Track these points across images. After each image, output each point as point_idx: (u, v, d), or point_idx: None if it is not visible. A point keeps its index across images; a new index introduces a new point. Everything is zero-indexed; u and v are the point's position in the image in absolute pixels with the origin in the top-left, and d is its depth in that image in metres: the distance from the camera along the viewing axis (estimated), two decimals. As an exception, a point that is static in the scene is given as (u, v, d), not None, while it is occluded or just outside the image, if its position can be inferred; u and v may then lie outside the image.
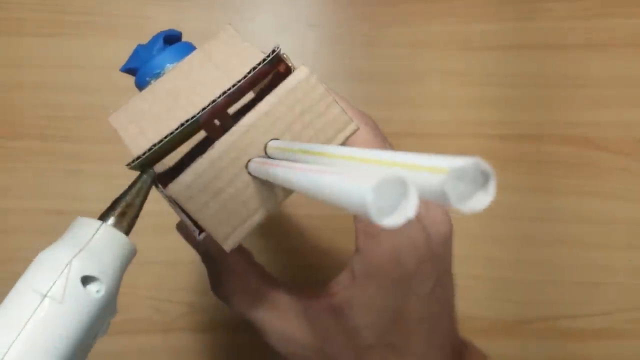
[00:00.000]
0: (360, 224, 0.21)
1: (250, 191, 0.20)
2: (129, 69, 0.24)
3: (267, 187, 0.20)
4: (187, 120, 0.19)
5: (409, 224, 0.19)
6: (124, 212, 0.18)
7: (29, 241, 0.42)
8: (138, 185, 0.19)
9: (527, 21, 0.44)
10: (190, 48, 0.24)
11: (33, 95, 0.42)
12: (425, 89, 0.43)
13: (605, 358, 0.41)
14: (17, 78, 0.42)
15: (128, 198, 0.19)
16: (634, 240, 0.42)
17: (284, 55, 0.20)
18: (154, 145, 0.19)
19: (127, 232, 0.18)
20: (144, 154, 0.19)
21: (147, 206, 0.20)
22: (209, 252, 0.25)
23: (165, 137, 0.19)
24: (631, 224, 0.42)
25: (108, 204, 0.19)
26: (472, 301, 0.42)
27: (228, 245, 0.20)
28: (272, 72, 0.21)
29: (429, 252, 0.21)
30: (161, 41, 0.23)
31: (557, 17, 0.44)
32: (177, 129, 0.19)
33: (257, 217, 0.20)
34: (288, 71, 0.21)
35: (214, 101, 0.19)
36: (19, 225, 0.41)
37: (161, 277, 0.41)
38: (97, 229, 0.17)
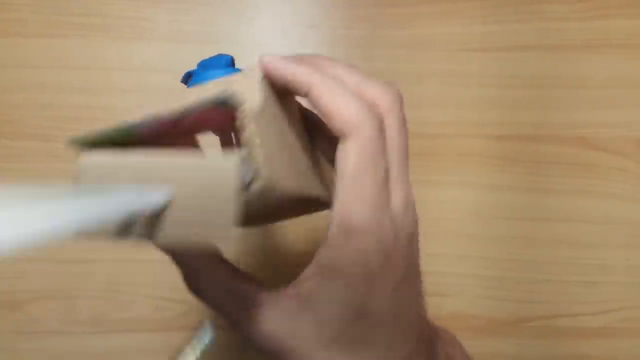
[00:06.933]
0: (337, 215, 0.20)
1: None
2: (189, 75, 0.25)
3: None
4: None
5: (379, 224, 0.20)
6: None
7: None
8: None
9: (526, 23, 0.44)
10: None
11: (35, 96, 0.42)
12: (424, 90, 0.43)
13: (602, 356, 0.42)
14: (19, 79, 0.42)
15: None
16: (631, 239, 0.42)
17: (232, 103, 0.19)
18: (97, 133, 0.20)
19: None
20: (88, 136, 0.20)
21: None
22: (175, 252, 0.25)
23: (105, 131, 0.20)
24: (629, 223, 0.42)
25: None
26: (471, 300, 0.42)
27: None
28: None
29: (395, 252, 0.21)
30: (223, 62, 0.24)
31: (556, 19, 0.44)
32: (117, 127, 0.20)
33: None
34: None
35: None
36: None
37: (161, 276, 0.41)
38: None
